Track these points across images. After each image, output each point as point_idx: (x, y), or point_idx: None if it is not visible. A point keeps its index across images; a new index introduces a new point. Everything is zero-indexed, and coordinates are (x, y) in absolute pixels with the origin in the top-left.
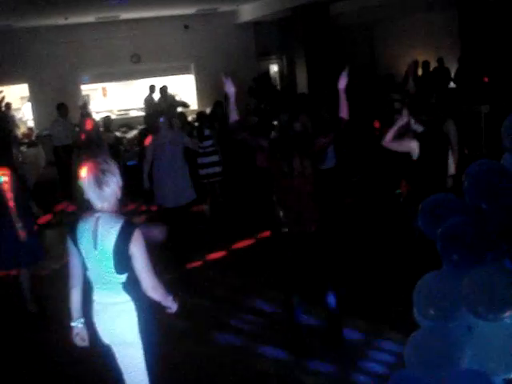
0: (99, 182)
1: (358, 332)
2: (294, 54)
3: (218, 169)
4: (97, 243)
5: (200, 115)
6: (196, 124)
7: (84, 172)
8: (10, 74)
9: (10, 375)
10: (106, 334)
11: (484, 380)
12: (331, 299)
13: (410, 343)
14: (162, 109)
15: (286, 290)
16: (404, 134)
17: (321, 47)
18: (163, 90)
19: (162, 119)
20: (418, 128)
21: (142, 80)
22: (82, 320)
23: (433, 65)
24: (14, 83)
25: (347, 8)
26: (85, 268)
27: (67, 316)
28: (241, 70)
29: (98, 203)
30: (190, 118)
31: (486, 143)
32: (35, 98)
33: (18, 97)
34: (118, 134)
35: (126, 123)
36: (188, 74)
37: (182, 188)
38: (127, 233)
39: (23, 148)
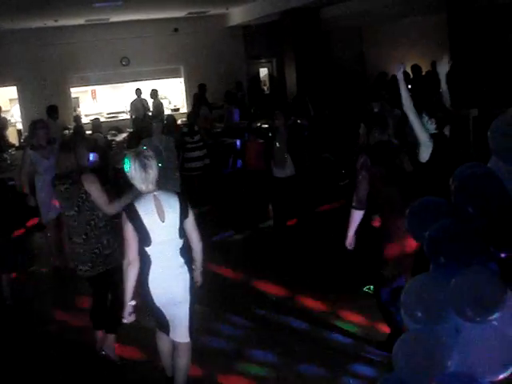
0: (145, 167)
1: (347, 335)
2: (284, 57)
3: (206, 161)
4: (164, 216)
5: (190, 114)
6: (184, 129)
7: (127, 161)
8: None
9: None
10: (164, 293)
11: (471, 382)
12: None
13: (398, 346)
14: (153, 113)
15: None
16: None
17: (310, 51)
18: (154, 93)
19: (154, 123)
20: (431, 128)
21: (131, 83)
22: (134, 301)
23: (424, 68)
24: (2, 85)
25: (337, 12)
26: (144, 242)
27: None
28: (231, 73)
29: (143, 186)
30: (179, 121)
31: (474, 146)
32: (24, 100)
33: (7, 99)
34: (108, 136)
35: (115, 126)
36: (178, 77)
37: None
38: (185, 203)
39: (11, 151)
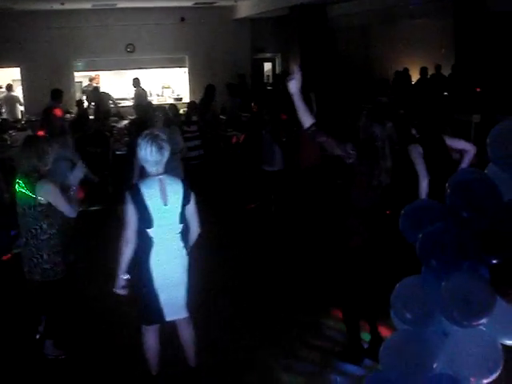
0: (161, 149)
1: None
2: (289, 52)
3: (201, 151)
4: (167, 200)
5: (191, 103)
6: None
7: (142, 142)
8: (3, 57)
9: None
10: (164, 275)
11: None
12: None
13: (386, 346)
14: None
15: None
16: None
17: (316, 48)
18: (136, 82)
19: (158, 113)
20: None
21: (135, 70)
22: (128, 275)
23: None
24: (6, 66)
25: (344, 10)
26: (145, 224)
27: None
28: (235, 66)
29: (154, 168)
30: (181, 111)
31: (475, 153)
32: (27, 82)
33: (10, 80)
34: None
35: (117, 113)
36: (182, 66)
37: None
38: (189, 189)
39: (12, 132)
